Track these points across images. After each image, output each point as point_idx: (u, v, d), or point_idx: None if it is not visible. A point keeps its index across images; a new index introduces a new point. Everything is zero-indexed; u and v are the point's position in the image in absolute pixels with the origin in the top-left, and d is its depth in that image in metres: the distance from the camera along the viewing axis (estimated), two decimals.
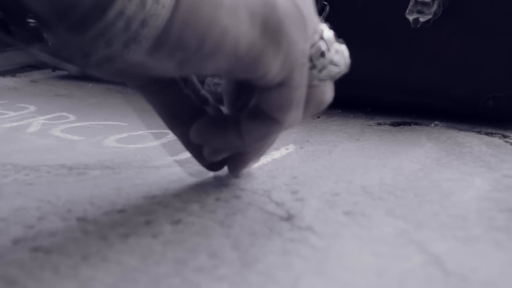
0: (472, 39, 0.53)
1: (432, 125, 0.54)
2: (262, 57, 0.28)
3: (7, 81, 0.82)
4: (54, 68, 0.85)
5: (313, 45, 0.31)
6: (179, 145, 0.48)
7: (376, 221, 0.32)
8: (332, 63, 0.31)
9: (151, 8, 0.24)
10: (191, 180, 0.39)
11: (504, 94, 0.52)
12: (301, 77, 0.30)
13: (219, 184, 0.38)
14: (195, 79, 0.36)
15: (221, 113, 0.36)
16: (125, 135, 0.52)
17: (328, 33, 0.31)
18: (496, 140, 0.48)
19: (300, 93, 0.31)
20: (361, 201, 0.35)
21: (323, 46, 0.31)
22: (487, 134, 0.50)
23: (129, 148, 0.47)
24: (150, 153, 0.45)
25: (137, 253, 0.28)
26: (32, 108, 0.63)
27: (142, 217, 0.32)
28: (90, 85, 0.78)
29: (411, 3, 0.52)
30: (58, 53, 0.25)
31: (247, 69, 0.28)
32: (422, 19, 0.52)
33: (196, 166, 0.39)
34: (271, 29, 0.28)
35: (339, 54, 0.32)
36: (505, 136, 0.49)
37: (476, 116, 0.54)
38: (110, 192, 0.36)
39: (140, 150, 0.46)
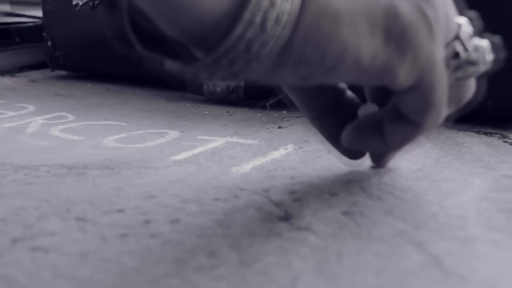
0: None
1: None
2: (388, 65, 0.28)
3: (6, 81, 0.82)
4: (53, 68, 0.85)
5: (447, 45, 0.30)
6: (178, 145, 0.48)
7: (375, 221, 0.32)
8: (469, 62, 0.31)
9: (272, 29, 0.25)
10: (190, 179, 0.39)
11: (504, 94, 0.52)
12: (433, 80, 0.30)
13: (218, 184, 0.38)
14: None
15: (363, 119, 0.36)
16: (124, 135, 0.52)
17: (465, 30, 0.31)
18: (495, 140, 0.48)
19: (436, 95, 0.30)
20: (360, 201, 0.35)
21: (457, 46, 0.31)
22: (486, 134, 0.50)
23: (128, 148, 0.47)
24: (149, 153, 0.45)
25: (136, 253, 0.28)
26: (31, 108, 0.63)
27: (141, 217, 0.32)
28: (89, 85, 0.78)
29: None
30: (187, 72, 0.27)
31: (374, 78, 0.29)
32: None
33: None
34: (395, 38, 0.28)
35: (478, 52, 0.31)
36: (504, 136, 0.49)
37: (475, 116, 0.54)
38: (109, 192, 0.36)
39: (139, 150, 0.46)
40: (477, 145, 0.47)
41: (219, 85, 0.64)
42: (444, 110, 0.31)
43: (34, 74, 0.87)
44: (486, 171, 0.40)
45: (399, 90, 0.30)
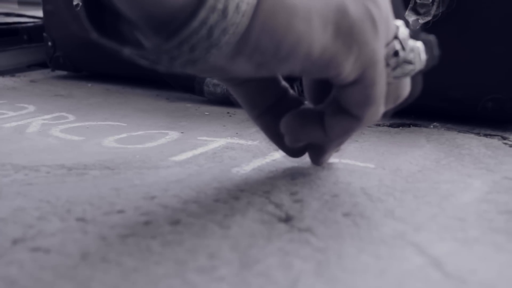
0: (471, 40, 0.53)
1: (431, 126, 0.54)
2: (334, 59, 0.29)
3: (7, 81, 0.82)
4: (54, 68, 0.85)
5: (387, 45, 0.32)
6: (178, 145, 0.48)
7: (375, 222, 0.32)
8: (406, 61, 0.33)
9: (232, 17, 0.26)
10: (190, 180, 0.39)
11: (503, 96, 0.52)
12: (375, 75, 0.31)
13: (218, 185, 0.38)
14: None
15: (303, 105, 0.38)
16: (124, 135, 0.52)
17: (403, 31, 0.33)
18: (495, 142, 0.48)
19: (376, 90, 0.32)
20: (360, 202, 0.35)
21: (396, 45, 0.32)
22: (486, 135, 0.50)
23: (129, 148, 0.47)
24: (149, 153, 0.45)
25: (136, 254, 0.28)
26: (31, 108, 0.63)
27: (141, 217, 0.32)
28: (89, 85, 0.78)
29: (410, 4, 0.52)
30: (147, 56, 0.27)
31: (321, 70, 0.30)
32: (421, 21, 0.52)
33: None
34: (343, 33, 0.29)
35: (414, 52, 0.33)
36: (504, 138, 0.49)
37: (475, 117, 0.54)
38: (109, 192, 0.36)
39: (140, 150, 0.46)
40: (477, 147, 0.47)
41: (219, 86, 0.64)
42: (382, 106, 0.33)
43: (35, 74, 0.87)
44: (486, 172, 0.40)
45: (343, 83, 0.31)
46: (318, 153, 0.40)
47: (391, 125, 0.54)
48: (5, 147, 0.47)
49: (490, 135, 0.50)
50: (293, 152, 0.40)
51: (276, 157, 0.44)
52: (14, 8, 1.14)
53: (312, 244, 0.29)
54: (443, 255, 0.28)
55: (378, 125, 0.55)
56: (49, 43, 0.82)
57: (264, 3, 0.27)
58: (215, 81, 0.64)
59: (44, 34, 0.83)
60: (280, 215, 0.33)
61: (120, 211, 0.33)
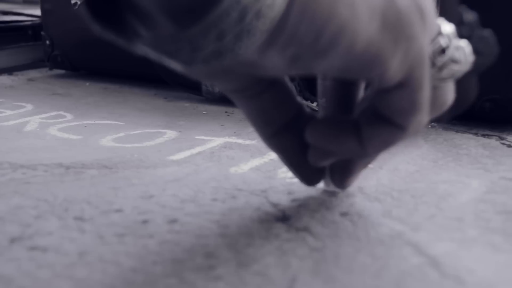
0: None
1: (429, 126, 0.54)
2: (380, 54, 0.26)
3: (4, 79, 0.82)
4: (52, 67, 0.84)
5: (432, 41, 0.28)
6: (176, 145, 0.48)
7: (373, 222, 0.32)
8: (453, 60, 0.29)
9: None
10: (188, 179, 0.39)
11: (501, 96, 0.52)
12: (423, 76, 0.27)
13: (216, 184, 0.38)
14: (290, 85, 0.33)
15: (334, 117, 0.33)
16: (122, 134, 0.52)
17: (447, 27, 0.29)
18: (493, 142, 0.48)
19: (423, 94, 0.28)
20: (357, 202, 0.35)
21: (443, 42, 0.28)
22: (484, 136, 0.50)
23: (126, 147, 0.47)
24: (147, 152, 0.45)
25: (133, 253, 0.28)
26: (29, 106, 0.63)
27: (139, 216, 0.32)
28: (87, 84, 0.78)
29: None
30: (163, 47, 0.23)
31: (363, 68, 0.26)
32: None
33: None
34: (390, 25, 0.25)
35: (460, 51, 0.29)
36: (501, 138, 0.49)
37: (473, 118, 0.54)
38: (107, 191, 0.36)
39: (137, 149, 0.46)
40: (474, 147, 0.47)
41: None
42: (428, 113, 0.29)
43: (32, 73, 0.87)
44: (483, 173, 0.40)
45: (386, 86, 0.27)
46: (344, 172, 0.34)
47: None
48: (3, 146, 0.47)
49: (488, 136, 0.50)
50: (310, 177, 0.35)
51: (274, 157, 0.44)
52: (17, 7, 1.14)
53: (310, 243, 0.29)
54: (441, 255, 0.28)
55: None
56: (47, 42, 0.82)
57: None
58: None
59: (42, 33, 0.83)
60: (277, 215, 0.33)
61: (118, 210, 0.33)
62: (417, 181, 0.38)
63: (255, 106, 0.32)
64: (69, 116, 0.59)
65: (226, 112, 0.61)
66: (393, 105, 0.28)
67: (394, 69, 0.26)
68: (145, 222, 0.32)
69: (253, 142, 0.49)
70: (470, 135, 0.51)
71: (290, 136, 0.33)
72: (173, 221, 0.32)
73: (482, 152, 0.45)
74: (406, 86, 0.27)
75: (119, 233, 0.30)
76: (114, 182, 0.38)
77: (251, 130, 0.52)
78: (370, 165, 0.35)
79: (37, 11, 0.90)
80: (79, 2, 0.76)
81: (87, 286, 0.25)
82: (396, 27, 0.25)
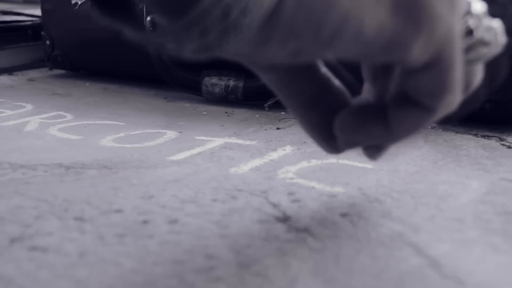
0: None
1: (429, 127, 0.54)
2: (397, 38, 0.24)
3: (4, 79, 0.82)
4: (52, 67, 0.84)
5: (459, 21, 0.26)
6: (176, 145, 0.48)
7: (373, 223, 0.32)
8: (482, 42, 0.27)
9: None
10: (188, 180, 0.39)
11: (501, 98, 0.52)
12: (452, 57, 0.25)
13: (216, 184, 0.38)
14: None
15: (361, 104, 0.31)
16: (122, 134, 0.52)
17: (477, 6, 0.27)
18: (493, 143, 0.48)
19: (453, 75, 0.26)
20: (358, 203, 0.35)
21: (471, 22, 0.26)
22: (483, 137, 0.50)
23: (126, 147, 0.47)
24: (147, 153, 0.45)
25: (133, 254, 0.28)
26: (29, 107, 0.63)
27: (139, 217, 0.32)
28: (87, 84, 0.78)
29: None
30: (152, 39, 0.23)
31: (381, 53, 0.25)
32: None
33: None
34: (406, 6, 0.24)
35: (491, 32, 0.27)
36: (501, 139, 0.49)
37: (473, 119, 0.54)
38: (107, 191, 0.36)
39: (137, 150, 0.46)
40: (474, 148, 0.47)
41: (218, 86, 0.64)
42: (459, 93, 0.27)
43: (33, 73, 0.87)
44: (483, 174, 0.40)
45: (411, 68, 0.26)
46: (375, 149, 0.33)
47: None
48: (3, 146, 0.47)
49: (488, 136, 0.50)
50: (336, 149, 0.33)
51: (274, 157, 0.44)
52: (17, 7, 1.14)
53: (310, 244, 0.29)
54: (441, 256, 0.28)
55: None
56: (47, 42, 0.82)
57: None
58: (214, 80, 0.64)
59: (43, 33, 0.83)
60: (277, 215, 0.33)
61: (118, 211, 0.33)
62: (417, 182, 0.38)
63: (274, 79, 0.31)
64: (69, 116, 0.59)
65: (226, 112, 0.61)
66: (421, 86, 0.27)
67: (418, 51, 0.25)
68: (145, 222, 0.32)
69: (253, 142, 0.49)
70: (470, 136, 0.51)
71: (315, 109, 0.31)
72: (173, 221, 0.32)
73: (482, 153, 0.45)
74: (435, 67, 0.26)
75: (119, 233, 0.30)
76: (114, 183, 0.38)
77: (251, 131, 0.52)
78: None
79: (37, 11, 0.90)
80: (79, 2, 0.76)
81: (87, 286, 0.25)
82: (414, 7, 0.24)
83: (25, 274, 0.26)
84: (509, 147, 0.47)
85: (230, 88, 0.63)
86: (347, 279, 0.26)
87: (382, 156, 0.33)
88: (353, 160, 0.43)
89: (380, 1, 0.23)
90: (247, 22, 0.21)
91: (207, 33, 0.21)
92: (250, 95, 0.62)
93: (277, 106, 0.62)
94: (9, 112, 0.60)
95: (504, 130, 0.52)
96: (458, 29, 0.25)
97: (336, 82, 0.31)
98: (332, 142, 0.32)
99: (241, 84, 0.62)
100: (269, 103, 0.61)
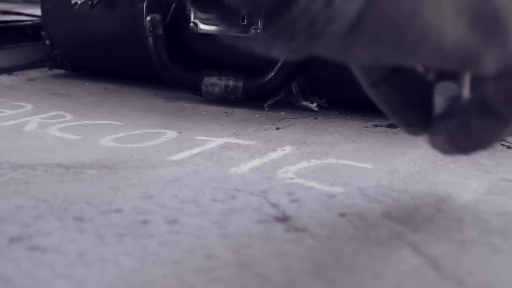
0: None
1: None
2: (472, 51, 0.25)
3: (4, 79, 0.82)
4: (51, 67, 0.84)
5: None
6: (175, 145, 0.48)
7: (372, 223, 0.32)
8: None
9: (340, 4, 0.22)
10: (188, 180, 0.39)
11: None
12: None
13: (215, 184, 0.38)
14: None
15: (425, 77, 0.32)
16: (122, 134, 0.52)
17: None
18: None
19: None
20: (357, 203, 0.35)
21: None
22: None
23: (126, 147, 0.47)
24: (147, 153, 0.45)
25: (133, 254, 0.28)
26: (29, 106, 0.63)
27: (138, 217, 0.32)
28: (87, 84, 0.78)
29: None
30: (241, 41, 0.24)
31: (456, 64, 0.26)
32: None
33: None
34: (483, 21, 0.25)
35: None
36: (501, 139, 0.49)
37: None
38: (106, 191, 0.36)
39: (137, 149, 0.46)
40: None
41: (217, 86, 0.64)
42: None
43: (32, 72, 0.87)
44: (483, 174, 0.40)
45: (485, 77, 0.27)
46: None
47: (388, 126, 0.54)
48: (3, 146, 0.47)
49: None
50: (411, 129, 0.34)
51: (274, 157, 0.44)
52: (17, 7, 1.14)
53: (309, 244, 0.29)
54: (440, 256, 0.28)
55: (376, 125, 0.55)
56: (47, 42, 0.82)
57: None
58: (213, 80, 0.64)
59: (42, 33, 0.83)
60: (277, 215, 0.33)
61: (118, 210, 0.33)
62: (417, 182, 0.38)
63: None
64: (68, 116, 0.59)
65: (225, 112, 0.61)
66: (496, 95, 0.28)
67: (490, 63, 0.26)
68: (144, 222, 0.32)
69: (253, 142, 0.49)
70: None
71: (390, 88, 0.32)
72: (173, 221, 0.32)
73: (482, 153, 0.45)
74: (508, 76, 0.27)
75: (118, 233, 0.30)
76: (114, 182, 0.38)
77: (250, 131, 0.52)
78: None
79: (37, 11, 0.90)
80: (79, 2, 0.76)
81: (86, 286, 0.25)
82: (489, 23, 0.25)
83: (24, 274, 0.26)
84: (509, 147, 0.47)
85: (229, 88, 0.63)
86: (347, 279, 0.26)
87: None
88: (352, 160, 0.43)
89: (460, 14, 0.24)
90: (331, 30, 0.22)
91: (294, 39, 0.23)
92: (249, 95, 0.62)
93: (277, 106, 0.62)
94: (8, 112, 0.60)
95: None
96: None
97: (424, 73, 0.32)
98: (406, 120, 0.33)
99: (240, 84, 0.62)
100: (268, 103, 0.61)
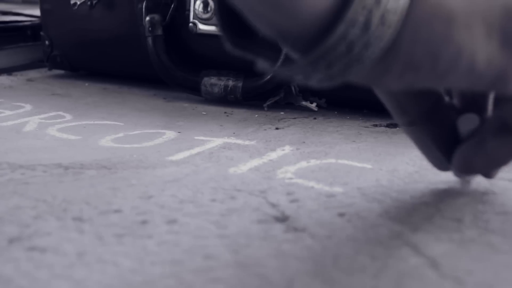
0: None
1: None
2: (503, 71, 0.26)
3: (3, 79, 0.81)
4: (51, 67, 0.84)
5: None
6: (175, 145, 0.48)
7: (372, 222, 0.32)
8: None
9: (376, 30, 0.23)
10: (187, 180, 0.39)
11: None
12: None
13: (215, 184, 0.38)
14: None
15: (460, 114, 0.33)
16: (121, 134, 0.52)
17: None
18: None
19: None
20: (356, 202, 0.35)
21: None
22: None
23: (125, 148, 0.47)
24: (146, 153, 0.45)
25: (132, 254, 0.28)
26: (28, 107, 0.63)
27: (138, 217, 0.32)
28: (86, 84, 0.78)
29: None
30: (280, 72, 0.25)
31: (487, 85, 0.27)
32: None
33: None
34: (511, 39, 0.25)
35: None
36: None
37: None
38: (106, 192, 0.36)
39: (136, 150, 0.46)
40: None
41: (217, 86, 0.64)
42: None
43: (32, 73, 0.87)
44: None
45: (509, 97, 0.28)
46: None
47: (388, 126, 0.54)
48: (2, 146, 0.47)
49: None
50: (444, 165, 0.35)
51: (273, 157, 0.44)
52: (16, 7, 1.14)
53: (308, 244, 0.29)
54: (440, 255, 0.28)
55: (376, 125, 0.55)
56: (46, 42, 0.82)
57: (416, 10, 0.23)
58: (213, 80, 0.64)
59: (42, 33, 0.83)
60: (276, 215, 0.33)
61: (117, 211, 0.33)
62: (416, 182, 0.38)
63: (392, 98, 0.32)
64: (68, 117, 0.59)
65: (225, 112, 0.61)
66: None
67: None
68: (144, 222, 0.32)
69: (252, 142, 0.49)
70: None
71: (425, 127, 0.33)
72: (172, 221, 0.32)
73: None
74: None
75: (118, 233, 0.30)
76: (113, 183, 0.38)
77: (250, 131, 0.52)
78: None
79: (36, 11, 0.90)
80: (78, 3, 0.76)
81: (85, 286, 0.25)
82: None
83: (23, 274, 0.26)
84: None
85: (229, 88, 0.63)
86: (346, 279, 0.26)
87: (496, 174, 0.35)
88: (352, 160, 0.43)
89: (491, 35, 0.25)
90: (368, 55, 0.23)
91: (333, 66, 0.23)
92: (249, 95, 0.62)
93: (276, 106, 0.62)
94: (8, 112, 0.60)
95: None
96: None
97: (447, 98, 0.33)
98: (443, 157, 0.34)
99: (240, 84, 0.62)
100: (268, 103, 0.61)
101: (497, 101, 0.31)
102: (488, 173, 0.35)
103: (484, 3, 0.25)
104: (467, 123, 0.33)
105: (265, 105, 0.61)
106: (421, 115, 0.33)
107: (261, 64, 0.25)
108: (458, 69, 0.25)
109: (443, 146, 0.34)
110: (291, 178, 0.39)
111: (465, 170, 0.34)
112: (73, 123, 0.56)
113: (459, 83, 0.26)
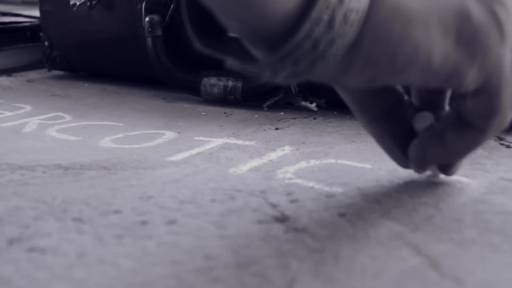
0: None
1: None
2: (456, 68, 0.27)
3: (3, 80, 0.82)
4: (50, 68, 0.84)
5: None
6: (175, 146, 0.48)
7: (372, 223, 0.32)
8: None
9: (339, 28, 0.24)
10: (187, 180, 0.39)
11: None
12: (501, 83, 0.29)
13: (214, 185, 0.38)
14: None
15: (417, 112, 0.35)
16: (121, 135, 0.52)
17: None
18: (492, 143, 0.48)
19: (502, 99, 0.29)
20: (356, 203, 0.35)
21: None
22: None
23: (125, 148, 0.47)
24: (146, 153, 0.45)
25: (132, 254, 0.28)
26: (28, 108, 0.63)
27: (137, 217, 0.32)
28: (86, 85, 0.78)
29: None
30: (249, 69, 0.26)
31: (441, 81, 0.28)
32: None
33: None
34: (465, 40, 0.27)
35: None
36: (500, 139, 0.49)
37: None
38: (105, 192, 0.36)
39: (136, 150, 0.46)
40: None
41: (216, 86, 0.64)
42: (510, 114, 0.31)
43: (31, 74, 0.87)
44: (482, 173, 0.40)
45: (464, 93, 0.29)
46: (446, 167, 0.36)
47: None
48: (1, 147, 0.47)
49: None
50: (406, 162, 0.36)
51: (273, 158, 0.44)
52: (16, 8, 1.14)
53: (309, 244, 0.29)
54: (440, 255, 0.28)
55: None
56: (46, 43, 0.82)
57: (376, 10, 0.25)
58: (212, 81, 0.64)
59: (41, 34, 0.83)
60: (276, 215, 0.33)
61: (117, 211, 0.33)
62: (416, 182, 0.38)
63: (352, 96, 0.34)
64: (68, 117, 0.59)
65: (225, 113, 0.61)
66: (472, 109, 0.30)
67: (471, 79, 0.28)
68: (143, 223, 0.32)
69: (252, 143, 0.49)
70: None
71: (384, 124, 0.34)
72: (172, 222, 0.32)
73: (481, 152, 0.45)
74: (484, 92, 0.29)
75: (117, 234, 0.30)
76: (113, 183, 0.38)
77: (249, 131, 0.52)
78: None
79: (36, 12, 0.90)
80: (77, 3, 0.76)
81: (85, 287, 0.25)
82: (471, 41, 0.27)
83: (23, 275, 0.26)
84: (508, 146, 0.47)
85: (228, 89, 0.63)
86: (346, 279, 0.26)
87: (456, 171, 0.37)
88: (351, 160, 0.43)
89: (446, 34, 0.27)
90: (333, 51, 0.25)
91: (299, 62, 0.25)
92: (248, 95, 0.62)
93: (276, 107, 0.62)
94: (7, 113, 0.60)
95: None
96: (507, 58, 0.29)
97: (406, 97, 0.35)
98: (401, 155, 0.35)
99: (239, 85, 0.62)
100: (268, 103, 0.61)
101: (453, 97, 0.33)
102: (447, 168, 0.36)
103: (439, 4, 0.26)
104: (421, 121, 0.34)
105: (264, 105, 0.61)
106: (380, 114, 0.34)
107: (230, 62, 0.26)
108: (415, 65, 0.27)
109: (401, 143, 0.35)
110: (291, 178, 0.39)
111: (420, 161, 0.35)
112: (73, 124, 0.56)
113: (416, 79, 0.28)
